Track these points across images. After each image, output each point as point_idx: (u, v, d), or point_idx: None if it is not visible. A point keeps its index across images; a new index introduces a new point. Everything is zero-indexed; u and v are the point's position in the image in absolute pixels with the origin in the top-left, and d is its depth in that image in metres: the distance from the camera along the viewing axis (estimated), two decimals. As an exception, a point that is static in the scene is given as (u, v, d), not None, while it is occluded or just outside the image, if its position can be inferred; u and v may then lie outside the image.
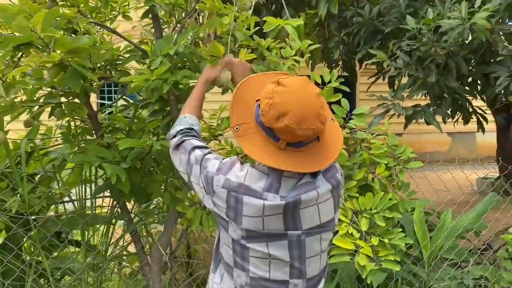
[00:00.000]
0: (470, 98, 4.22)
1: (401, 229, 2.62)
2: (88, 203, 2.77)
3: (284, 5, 2.56)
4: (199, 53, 2.14)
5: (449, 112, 4.02)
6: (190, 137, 1.53)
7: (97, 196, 2.74)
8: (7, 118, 2.29)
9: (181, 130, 1.56)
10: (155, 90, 1.99)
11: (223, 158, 1.43)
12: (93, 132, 2.50)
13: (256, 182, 1.32)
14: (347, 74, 5.05)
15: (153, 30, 2.44)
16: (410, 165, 2.69)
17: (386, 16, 3.97)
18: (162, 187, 2.45)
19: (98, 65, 2.26)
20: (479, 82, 4.07)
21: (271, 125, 1.27)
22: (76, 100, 2.34)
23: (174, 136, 1.56)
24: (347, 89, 2.50)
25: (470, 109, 4.28)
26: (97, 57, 2.10)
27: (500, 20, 3.50)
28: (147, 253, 2.72)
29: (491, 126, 5.21)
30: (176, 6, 2.36)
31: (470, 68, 3.91)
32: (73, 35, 2.18)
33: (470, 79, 4.07)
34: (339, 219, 2.43)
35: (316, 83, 2.40)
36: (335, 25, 4.26)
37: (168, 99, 2.25)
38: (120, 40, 2.43)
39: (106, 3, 2.40)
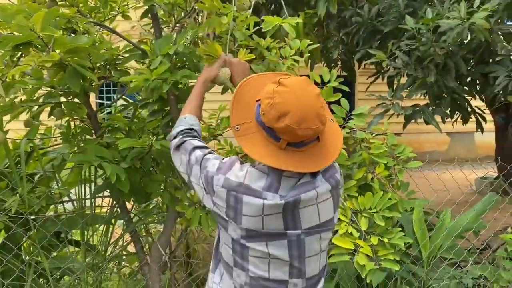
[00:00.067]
0: (469, 98, 4.23)
1: (400, 229, 2.62)
2: (88, 203, 2.77)
3: (283, 5, 2.56)
4: (198, 53, 2.14)
5: (448, 112, 4.03)
6: (191, 138, 1.53)
7: (97, 196, 2.73)
8: (6, 117, 2.29)
9: (182, 130, 1.56)
10: (155, 90, 1.99)
11: (223, 158, 1.44)
12: (93, 132, 2.50)
13: (256, 182, 1.32)
14: (346, 74, 5.05)
15: (152, 30, 2.44)
16: (409, 165, 2.69)
17: (385, 16, 3.97)
18: (162, 187, 2.45)
19: (98, 64, 2.26)
20: (478, 82, 4.08)
21: (272, 125, 1.27)
22: (76, 100, 2.33)
23: (175, 137, 1.56)
24: (346, 89, 2.50)
25: (469, 109, 4.29)
26: (96, 56, 2.10)
27: (499, 20, 3.51)
28: (146, 253, 2.72)
29: (489, 126, 5.21)
30: (176, 5, 2.36)
31: (469, 68, 3.92)
32: (72, 34, 2.18)
33: (469, 79, 4.08)
34: (339, 219, 2.43)
35: (316, 83, 2.40)
36: (334, 25, 4.27)
37: (168, 99, 2.25)
38: (119, 40, 2.43)
39: (105, 3, 2.40)
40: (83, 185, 2.70)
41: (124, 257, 3.02)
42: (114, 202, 2.71)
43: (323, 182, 1.35)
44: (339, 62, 4.95)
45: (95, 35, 2.27)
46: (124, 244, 2.97)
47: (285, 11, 2.51)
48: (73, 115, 2.39)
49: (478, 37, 3.23)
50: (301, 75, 1.44)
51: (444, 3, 3.54)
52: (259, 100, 1.32)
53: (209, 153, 1.47)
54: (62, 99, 2.30)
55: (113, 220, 2.83)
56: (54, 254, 2.68)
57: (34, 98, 2.29)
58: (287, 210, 1.31)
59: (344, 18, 4.18)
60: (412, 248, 3.07)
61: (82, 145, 2.39)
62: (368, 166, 2.69)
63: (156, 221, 3.09)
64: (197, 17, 2.33)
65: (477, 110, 4.52)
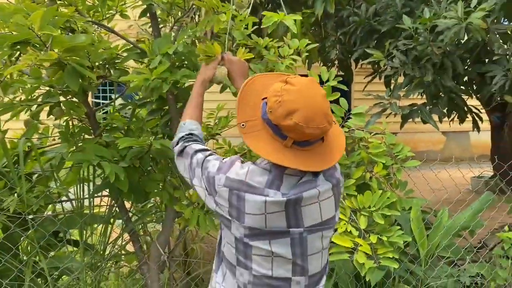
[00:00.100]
0: (465, 97, 4.25)
1: (399, 227, 2.63)
2: (86, 202, 2.76)
3: (282, 4, 2.56)
4: (197, 52, 2.13)
5: (445, 111, 4.05)
6: (191, 142, 1.55)
7: (95, 195, 2.73)
8: (5, 117, 2.28)
9: (182, 137, 1.58)
10: (155, 89, 1.99)
11: (223, 159, 1.44)
12: (91, 131, 2.49)
13: (257, 179, 1.33)
14: (343, 74, 5.07)
15: (150, 29, 2.43)
16: (407, 164, 2.71)
17: (383, 15, 3.99)
18: (160, 186, 2.44)
19: (97, 63, 2.25)
20: (474, 81, 4.10)
21: (279, 123, 1.27)
22: (75, 99, 2.33)
23: (177, 144, 1.58)
24: (345, 88, 2.51)
25: (466, 108, 4.31)
26: (95, 55, 2.09)
27: (496, 20, 3.53)
28: (145, 252, 2.72)
29: (485, 125, 5.24)
30: (174, 4, 2.35)
31: (466, 67, 3.94)
32: (70, 34, 2.17)
33: (466, 78, 4.10)
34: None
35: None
36: (332, 24, 4.28)
37: (166, 98, 2.25)
38: (117, 39, 2.42)
39: (103, 2, 2.39)
40: (81, 185, 2.70)
41: (123, 257, 3.01)
42: (113, 201, 2.71)
43: (324, 181, 1.36)
44: (336, 62, 4.97)
45: (93, 35, 2.27)
46: (123, 243, 2.97)
47: (284, 10, 2.51)
48: (72, 114, 2.39)
49: (475, 37, 3.25)
50: (301, 75, 1.44)
51: (441, 3, 3.55)
52: (265, 98, 1.33)
53: (210, 155, 1.47)
54: (61, 98, 2.29)
55: (111, 220, 2.83)
56: (53, 253, 2.67)
57: (33, 97, 2.28)
58: (289, 207, 1.31)
59: (342, 17, 4.19)
60: (410, 247, 3.08)
61: (81, 144, 2.38)
62: (367, 165, 2.69)
63: (154, 220, 3.09)
64: (194, 16, 2.33)
65: (474, 110, 4.54)
